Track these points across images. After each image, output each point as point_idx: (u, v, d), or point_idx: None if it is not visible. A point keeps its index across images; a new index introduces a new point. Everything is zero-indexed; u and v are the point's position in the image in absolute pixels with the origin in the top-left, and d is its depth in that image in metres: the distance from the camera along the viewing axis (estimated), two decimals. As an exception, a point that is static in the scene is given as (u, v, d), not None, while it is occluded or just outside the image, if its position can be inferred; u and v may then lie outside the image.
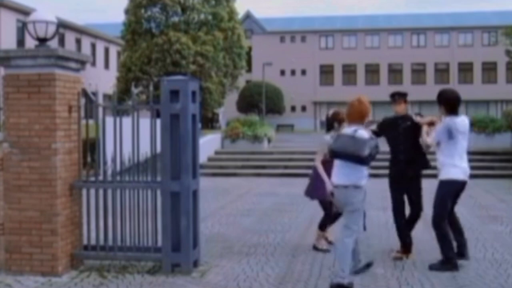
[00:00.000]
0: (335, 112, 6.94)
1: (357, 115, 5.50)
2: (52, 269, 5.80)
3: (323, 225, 7.04)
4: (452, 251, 6.12)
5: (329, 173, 6.04)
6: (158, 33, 34.59)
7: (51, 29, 5.87)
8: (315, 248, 7.00)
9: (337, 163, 5.52)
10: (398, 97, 6.71)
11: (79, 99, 6.12)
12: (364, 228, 5.77)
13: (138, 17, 34.64)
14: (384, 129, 6.88)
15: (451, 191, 6.15)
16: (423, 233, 8.22)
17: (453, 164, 6.05)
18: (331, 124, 6.91)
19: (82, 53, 7.30)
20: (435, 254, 6.79)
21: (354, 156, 5.26)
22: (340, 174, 5.43)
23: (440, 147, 6.19)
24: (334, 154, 5.46)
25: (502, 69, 53.54)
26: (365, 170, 5.41)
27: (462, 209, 10.38)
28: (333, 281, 5.41)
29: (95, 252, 6.15)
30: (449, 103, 6.13)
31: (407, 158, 6.59)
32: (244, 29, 41.00)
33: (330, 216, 6.93)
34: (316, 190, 6.83)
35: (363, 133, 5.37)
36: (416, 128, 6.52)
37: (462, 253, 6.35)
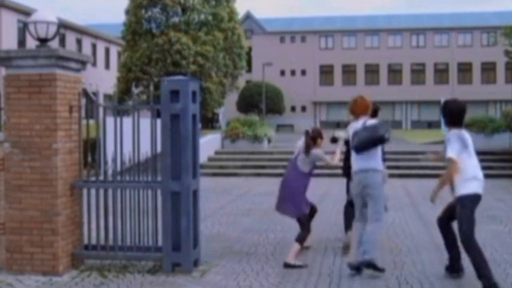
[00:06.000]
0: (316, 129, 6.80)
1: (363, 108, 6.20)
2: (52, 269, 5.83)
3: (302, 240, 6.43)
4: (488, 270, 5.40)
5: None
6: (158, 33, 34.58)
7: (52, 29, 5.89)
8: (287, 265, 6.24)
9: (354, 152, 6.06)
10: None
11: (79, 99, 6.14)
12: (386, 209, 6.19)
13: (139, 18, 34.63)
14: None
15: (474, 206, 5.49)
16: (423, 233, 8.26)
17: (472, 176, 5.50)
18: (311, 142, 6.62)
19: (82, 53, 7.32)
20: (434, 253, 6.82)
21: (373, 139, 5.90)
22: (360, 161, 6.02)
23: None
24: (356, 150, 6.00)
25: (501, 69, 53.54)
26: (379, 157, 6.06)
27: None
28: (364, 259, 5.79)
29: (95, 252, 6.17)
30: (453, 114, 5.65)
31: None
32: (244, 29, 41.01)
33: (309, 230, 6.67)
34: (297, 206, 6.51)
35: (372, 121, 6.09)
36: None
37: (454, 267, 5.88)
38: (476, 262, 5.37)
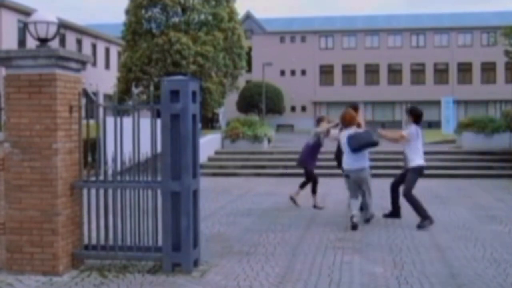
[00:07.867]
0: (321, 116, 11.41)
1: (351, 121, 8.84)
2: (53, 269, 5.83)
3: (314, 190, 10.60)
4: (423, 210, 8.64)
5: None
6: (158, 33, 34.57)
7: (52, 29, 5.88)
8: (315, 206, 10.45)
9: (350, 153, 8.55)
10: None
11: (79, 99, 6.14)
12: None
13: (139, 18, 34.63)
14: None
15: (418, 173, 8.97)
16: (423, 233, 8.27)
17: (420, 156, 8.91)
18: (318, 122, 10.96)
19: (82, 53, 7.32)
20: (434, 253, 6.83)
21: (369, 144, 8.44)
22: (354, 161, 8.55)
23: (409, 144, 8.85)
24: (355, 150, 8.44)
25: (501, 69, 53.53)
26: (367, 157, 8.75)
27: (461, 209, 10.41)
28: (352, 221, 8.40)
29: (95, 252, 6.17)
30: (416, 116, 8.97)
31: None
32: (244, 29, 41.02)
33: (317, 181, 10.66)
34: (308, 162, 10.73)
35: (359, 130, 8.81)
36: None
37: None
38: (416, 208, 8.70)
